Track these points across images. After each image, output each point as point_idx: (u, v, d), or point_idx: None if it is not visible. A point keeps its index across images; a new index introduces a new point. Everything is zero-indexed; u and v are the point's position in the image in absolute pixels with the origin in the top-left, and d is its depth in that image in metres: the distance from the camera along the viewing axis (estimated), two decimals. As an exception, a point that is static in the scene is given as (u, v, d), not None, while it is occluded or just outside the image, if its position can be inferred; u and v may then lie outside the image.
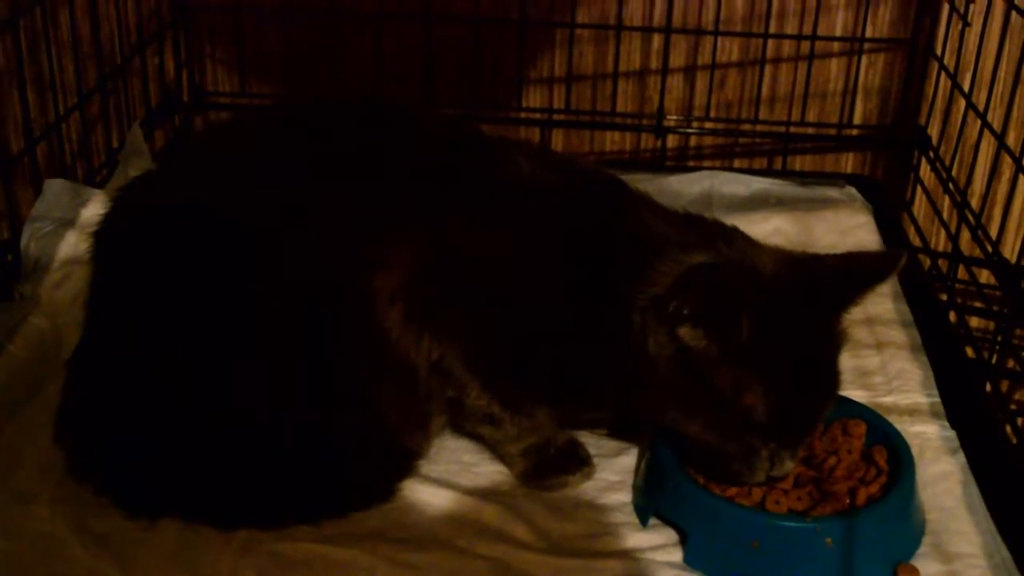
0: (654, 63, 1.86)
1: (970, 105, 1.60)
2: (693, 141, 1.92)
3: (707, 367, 1.01)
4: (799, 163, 1.90)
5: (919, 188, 1.80)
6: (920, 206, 1.81)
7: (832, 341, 1.05)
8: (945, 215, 1.74)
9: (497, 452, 1.18)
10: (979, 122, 1.58)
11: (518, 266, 1.08)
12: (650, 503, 1.10)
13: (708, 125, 1.88)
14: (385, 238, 1.07)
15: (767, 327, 1.00)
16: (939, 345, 1.38)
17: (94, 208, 1.45)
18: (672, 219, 1.12)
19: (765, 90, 1.86)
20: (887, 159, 1.89)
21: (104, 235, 1.13)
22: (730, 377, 1.01)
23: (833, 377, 1.05)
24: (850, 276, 1.06)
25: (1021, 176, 1.42)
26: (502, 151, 1.15)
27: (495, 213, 1.09)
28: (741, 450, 1.03)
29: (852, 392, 1.24)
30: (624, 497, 1.14)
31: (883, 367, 1.33)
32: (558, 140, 1.91)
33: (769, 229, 1.62)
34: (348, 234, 1.06)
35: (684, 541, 1.06)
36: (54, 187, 1.46)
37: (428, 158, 1.12)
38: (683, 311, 1.00)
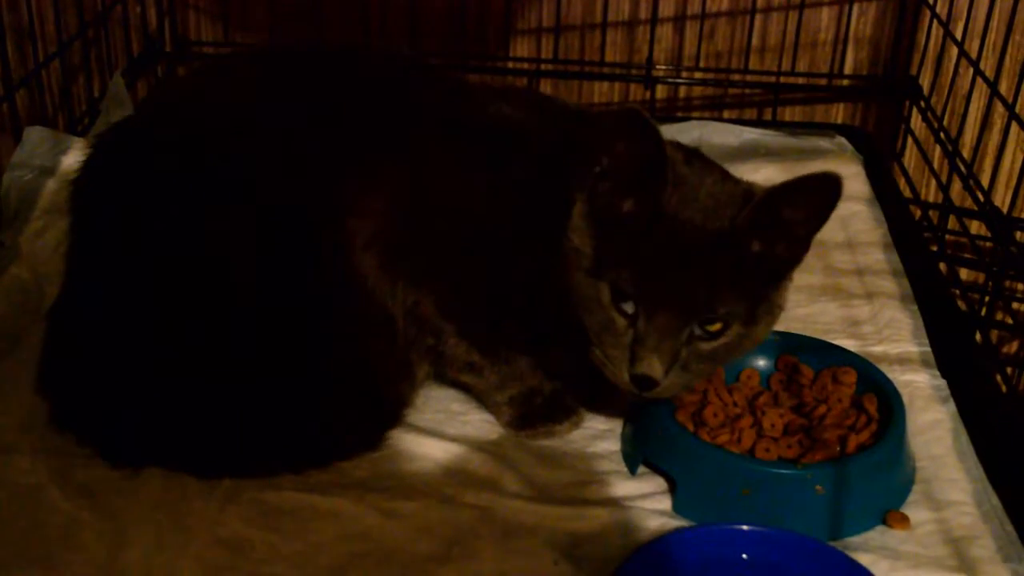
0: (643, 12, 1.84)
1: (963, 53, 1.59)
2: (683, 92, 1.91)
3: (611, 202, 0.98)
4: (789, 113, 1.89)
5: (910, 138, 1.79)
6: (911, 156, 1.80)
7: (724, 262, 0.97)
8: (936, 165, 1.73)
9: (483, 401, 1.17)
10: (971, 72, 1.57)
11: (489, 209, 1.07)
12: (638, 451, 1.09)
13: (698, 75, 1.86)
14: (360, 184, 1.06)
15: (676, 203, 0.96)
16: (930, 295, 1.37)
17: (75, 156, 1.44)
18: None
19: (755, 40, 1.84)
20: (878, 109, 1.88)
21: (83, 183, 1.11)
22: (624, 218, 0.97)
23: (701, 292, 0.96)
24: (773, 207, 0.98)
25: (1013, 125, 1.41)
26: (481, 95, 1.13)
27: (469, 157, 1.08)
28: (605, 324, 0.98)
29: (842, 341, 1.23)
30: (612, 445, 1.13)
31: (873, 316, 1.32)
32: (546, 91, 1.88)
33: (759, 179, 1.57)
34: (324, 180, 1.05)
35: (673, 489, 1.06)
36: (34, 135, 1.44)
37: (406, 103, 1.11)
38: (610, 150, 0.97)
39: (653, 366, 0.97)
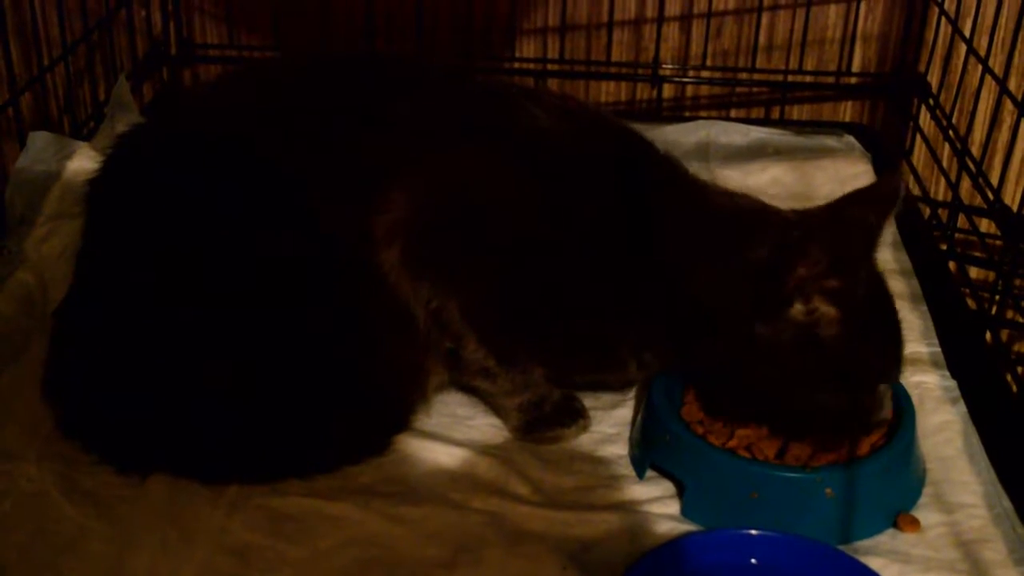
0: (649, 11, 1.83)
1: (971, 51, 1.58)
2: (690, 91, 1.90)
3: (828, 335, 1.01)
4: (797, 112, 1.88)
5: (919, 136, 1.77)
6: (920, 155, 1.79)
7: (879, 274, 1.07)
8: (945, 163, 1.71)
9: (492, 405, 1.17)
10: (980, 69, 1.56)
11: (519, 216, 1.06)
12: (647, 455, 1.09)
13: (705, 74, 1.85)
14: (386, 182, 1.05)
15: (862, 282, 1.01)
16: (939, 294, 1.36)
17: (79, 161, 1.43)
18: (699, 184, 1.12)
19: (762, 38, 1.83)
20: (886, 107, 1.87)
21: (99, 184, 1.12)
22: (847, 340, 1.01)
23: (894, 302, 1.07)
24: (873, 213, 1.05)
25: (1022, 123, 1.40)
26: (514, 100, 1.13)
27: (499, 162, 1.07)
28: (863, 403, 1.03)
29: (851, 342, 1.22)
30: (620, 449, 1.13)
31: (883, 317, 1.31)
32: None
33: (767, 179, 1.61)
34: (347, 181, 1.05)
35: (681, 493, 1.05)
36: (38, 140, 1.44)
37: (435, 107, 1.11)
38: (806, 284, 1.00)
39: (890, 406, 1.05)
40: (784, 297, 1.00)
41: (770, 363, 1.03)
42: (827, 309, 1.00)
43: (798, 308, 1.00)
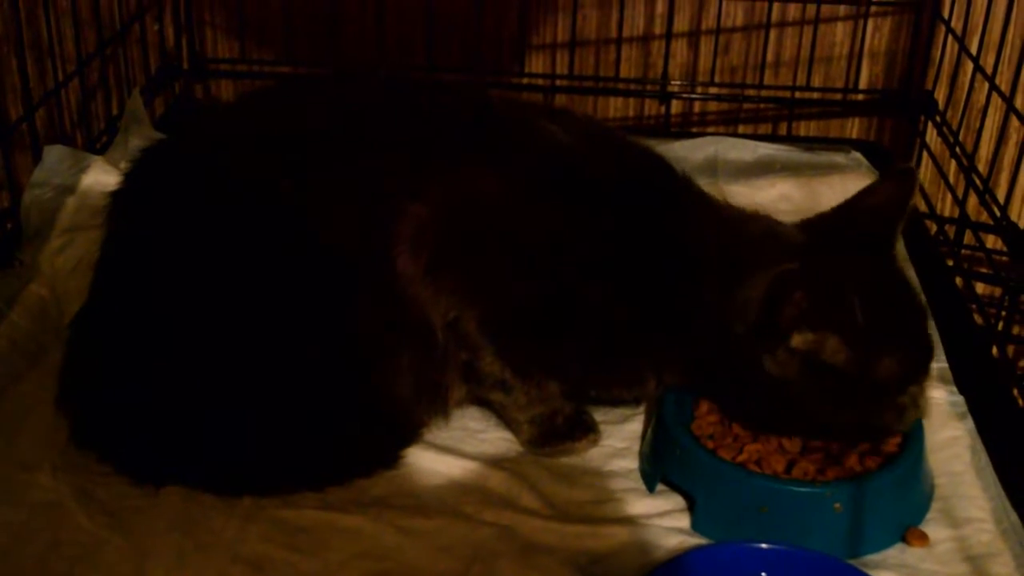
0: (658, 28, 1.84)
1: (978, 68, 1.59)
2: (697, 107, 1.90)
3: (835, 362, 1.01)
4: (804, 129, 1.88)
5: (925, 153, 1.78)
6: (926, 171, 1.79)
7: (900, 271, 1.09)
8: (952, 180, 1.72)
9: (504, 417, 1.17)
10: (987, 86, 1.56)
11: (545, 233, 1.07)
12: (657, 469, 1.09)
13: (712, 90, 1.86)
14: (408, 193, 1.06)
15: (867, 299, 1.00)
16: (946, 311, 1.36)
17: (94, 175, 1.44)
18: (718, 209, 1.14)
19: (770, 55, 1.84)
20: (893, 124, 1.87)
21: (123, 197, 1.13)
22: (858, 361, 1.01)
23: (918, 297, 1.09)
24: (884, 211, 1.09)
25: (1029, 140, 1.41)
26: (524, 114, 1.15)
27: (521, 175, 1.08)
28: (889, 412, 1.04)
29: (859, 358, 1.23)
30: (631, 463, 1.13)
31: (890, 332, 1.32)
32: (561, 106, 1.89)
33: (774, 195, 1.61)
34: (373, 192, 1.06)
35: (691, 507, 1.05)
36: (53, 154, 1.44)
37: (461, 123, 1.12)
38: (796, 322, 1.00)
39: (927, 403, 1.07)
40: (779, 335, 1.01)
41: (784, 390, 1.03)
42: (828, 337, 1.01)
43: (799, 339, 1.01)
